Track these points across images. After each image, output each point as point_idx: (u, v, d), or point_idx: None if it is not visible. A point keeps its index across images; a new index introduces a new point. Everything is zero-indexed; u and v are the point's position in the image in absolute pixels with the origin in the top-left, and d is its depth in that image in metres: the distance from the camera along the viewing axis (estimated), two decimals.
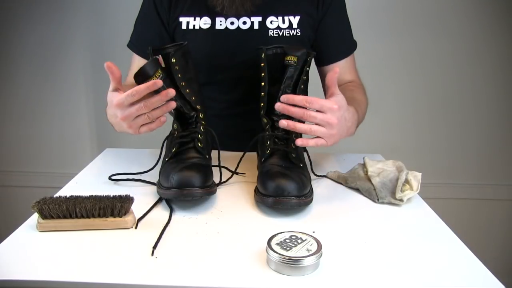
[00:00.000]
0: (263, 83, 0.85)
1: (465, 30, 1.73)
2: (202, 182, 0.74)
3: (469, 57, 1.76)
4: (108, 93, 0.79)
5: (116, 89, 0.78)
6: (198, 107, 0.85)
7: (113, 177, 0.88)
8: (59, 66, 1.81)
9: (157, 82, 0.74)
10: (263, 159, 0.83)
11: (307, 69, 0.85)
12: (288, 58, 0.84)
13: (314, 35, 1.05)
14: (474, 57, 1.76)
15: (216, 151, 0.87)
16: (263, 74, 0.86)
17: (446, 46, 1.75)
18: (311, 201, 0.76)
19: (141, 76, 0.78)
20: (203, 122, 0.86)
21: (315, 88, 1.16)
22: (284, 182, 0.73)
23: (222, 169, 0.89)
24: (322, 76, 1.11)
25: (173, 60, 0.82)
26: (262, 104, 0.85)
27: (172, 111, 0.85)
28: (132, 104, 0.75)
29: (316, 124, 0.76)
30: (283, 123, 0.75)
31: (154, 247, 0.62)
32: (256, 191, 0.78)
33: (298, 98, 0.74)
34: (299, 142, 0.76)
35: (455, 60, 1.77)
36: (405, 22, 1.74)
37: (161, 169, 0.82)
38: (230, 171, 0.91)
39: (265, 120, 0.85)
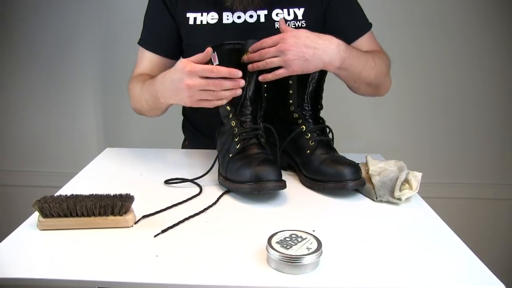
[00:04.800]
0: (291, 81, 0.90)
1: (465, 30, 1.73)
2: (277, 175, 0.78)
3: (469, 57, 1.76)
4: (183, 59, 0.81)
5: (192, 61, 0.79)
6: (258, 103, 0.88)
7: (170, 181, 0.87)
8: (61, 66, 1.81)
9: (238, 74, 0.77)
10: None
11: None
12: None
13: (322, 25, 1.06)
14: (474, 57, 1.76)
15: None
16: None
17: (446, 46, 1.75)
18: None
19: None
20: (261, 118, 0.89)
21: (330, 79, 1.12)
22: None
23: None
24: None
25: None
26: (291, 101, 0.91)
27: (229, 107, 0.85)
28: (204, 77, 0.77)
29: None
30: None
31: (163, 231, 0.66)
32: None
33: (266, 43, 0.83)
34: (260, 78, 0.84)
35: (455, 60, 1.77)
36: (404, 22, 1.73)
37: (226, 165, 0.83)
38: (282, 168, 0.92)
39: (296, 115, 0.91)
